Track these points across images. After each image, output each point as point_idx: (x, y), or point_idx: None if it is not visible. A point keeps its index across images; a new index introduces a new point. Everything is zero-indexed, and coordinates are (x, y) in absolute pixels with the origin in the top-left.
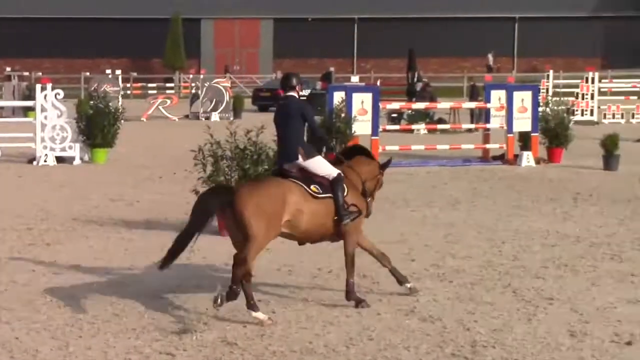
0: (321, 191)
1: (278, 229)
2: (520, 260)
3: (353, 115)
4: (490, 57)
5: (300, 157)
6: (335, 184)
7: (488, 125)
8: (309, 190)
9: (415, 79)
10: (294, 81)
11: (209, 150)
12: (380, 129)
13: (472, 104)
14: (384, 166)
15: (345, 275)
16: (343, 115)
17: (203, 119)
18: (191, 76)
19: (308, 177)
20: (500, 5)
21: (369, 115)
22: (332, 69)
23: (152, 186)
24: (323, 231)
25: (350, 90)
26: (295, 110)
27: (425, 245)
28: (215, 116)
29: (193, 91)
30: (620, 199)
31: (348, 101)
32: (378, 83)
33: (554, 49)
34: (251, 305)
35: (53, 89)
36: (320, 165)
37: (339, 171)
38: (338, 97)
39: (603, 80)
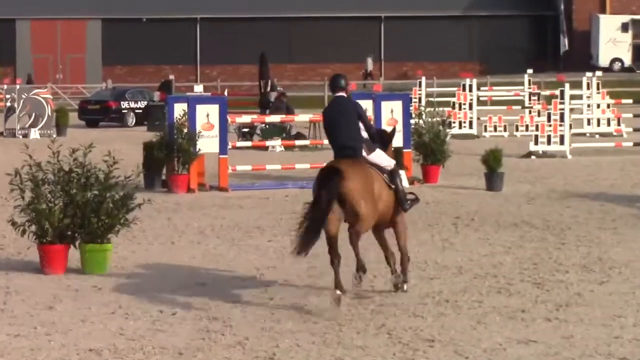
0: (389, 181)
1: (377, 208)
2: (395, 296)
3: (197, 131)
4: (369, 61)
5: (364, 151)
6: (395, 173)
7: None
8: (385, 180)
9: (269, 88)
10: (343, 82)
11: (27, 174)
12: (230, 146)
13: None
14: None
15: (392, 265)
16: (185, 130)
17: (20, 136)
18: (5, 87)
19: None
20: (363, 4)
21: (216, 131)
22: (171, 77)
23: None
24: (386, 219)
25: (193, 102)
26: (352, 108)
27: (285, 280)
28: (34, 133)
29: (8, 104)
30: (506, 223)
31: (191, 114)
32: (226, 93)
33: (426, 53)
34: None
35: None
36: (381, 158)
37: (394, 161)
38: (179, 109)
39: (482, 88)
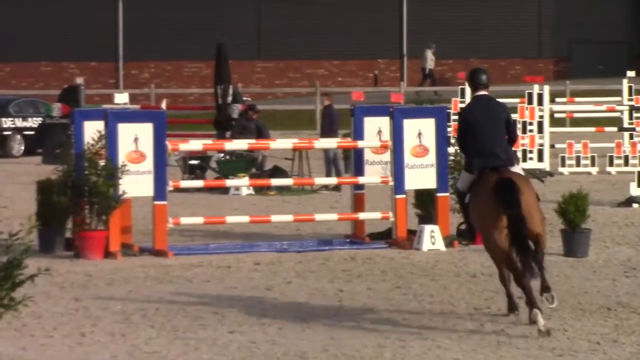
0: None
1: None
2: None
3: (120, 163)
4: (429, 55)
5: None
6: None
7: (361, 179)
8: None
9: (230, 98)
10: (485, 78)
11: None
12: (170, 187)
13: (331, 141)
14: None
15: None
16: (102, 163)
17: None
18: None
19: None
20: None
21: (149, 163)
22: (79, 80)
23: None
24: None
25: (113, 118)
26: (503, 113)
27: None
28: None
29: None
30: (594, 306)
31: (111, 138)
32: (163, 105)
33: (474, 46)
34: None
35: None
36: (520, 171)
37: None
38: (92, 129)
39: (558, 100)
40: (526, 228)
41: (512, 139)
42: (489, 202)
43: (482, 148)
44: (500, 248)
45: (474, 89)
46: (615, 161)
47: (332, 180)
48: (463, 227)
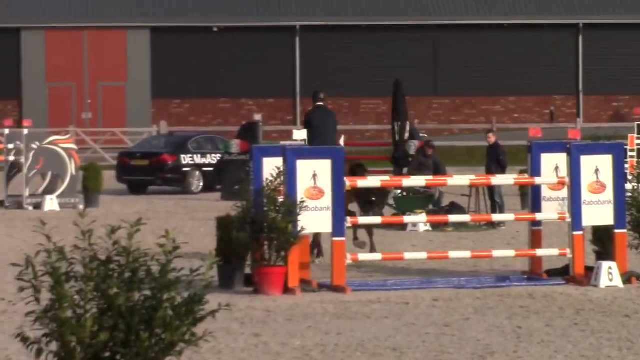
0: None
1: None
2: None
3: (299, 200)
4: None
5: None
6: None
7: (538, 216)
8: None
9: (407, 134)
10: None
11: (44, 264)
12: (348, 223)
13: (507, 178)
14: None
15: None
16: (281, 199)
17: (30, 207)
18: (6, 131)
19: None
20: (555, 4)
21: (327, 199)
22: (258, 116)
23: None
24: None
25: (292, 155)
26: None
27: None
28: (51, 203)
29: (10, 158)
30: None
31: (289, 174)
32: (342, 141)
33: None
34: None
35: None
36: None
37: None
38: (270, 166)
39: None
40: None
41: None
42: None
43: None
44: None
45: None
46: None
47: (509, 217)
48: None
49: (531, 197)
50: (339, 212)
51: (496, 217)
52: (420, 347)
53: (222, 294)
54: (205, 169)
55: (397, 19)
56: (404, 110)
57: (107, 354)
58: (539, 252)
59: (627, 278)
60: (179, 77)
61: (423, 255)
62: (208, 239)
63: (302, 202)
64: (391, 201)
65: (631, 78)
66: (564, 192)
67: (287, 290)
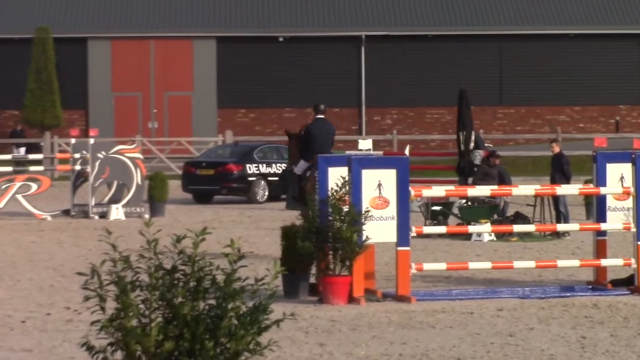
0: None
1: None
2: None
3: (364, 209)
4: None
5: None
6: None
7: (602, 226)
8: None
9: (472, 144)
10: None
11: (109, 273)
12: (413, 233)
13: (572, 188)
14: None
15: None
16: (346, 209)
17: (96, 217)
18: (72, 141)
19: None
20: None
21: (392, 209)
22: None
23: (9, 337)
24: None
25: (357, 165)
26: None
27: None
28: (117, 212)
29: (77, 167)
30: None
31: (355, 184)
32: (407, 151)
33: None
34: None
35: None
36: None
37: None
38: (335, 176)
39: None
40: None
41: None
42: None
43: None
44: None
45: None
46: None
47: (574, 227)
48: None
49: (596, 207)
50: (404, 222)
51: (561, 227)
52: (485, 357)
53: (286, 303)
54: (270, 178)
55: (463, 28)
56: (469, 119)
57: None
58: (604, 262)
59: None
60: (244, 87)
61: (487, 264)
62: (273, 248)
63: (367, 211)
64: (456, 211)
65: None
66: (629, 202)
67: (351, 299)
